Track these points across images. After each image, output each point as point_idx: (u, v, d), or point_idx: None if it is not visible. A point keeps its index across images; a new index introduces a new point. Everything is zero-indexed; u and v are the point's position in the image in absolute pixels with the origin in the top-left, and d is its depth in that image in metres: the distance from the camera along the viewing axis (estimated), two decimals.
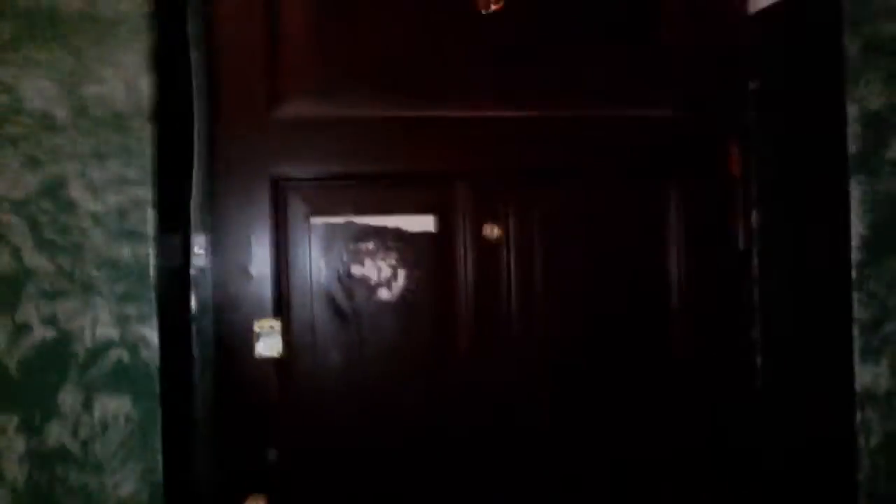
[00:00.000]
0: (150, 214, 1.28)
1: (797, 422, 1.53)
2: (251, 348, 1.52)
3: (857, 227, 1.41)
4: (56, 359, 1.26)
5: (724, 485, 1.64)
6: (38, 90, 1.24)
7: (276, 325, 1.52)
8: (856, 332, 1.41)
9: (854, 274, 1.41)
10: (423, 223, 1.58)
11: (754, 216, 1.63)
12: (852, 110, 1.41)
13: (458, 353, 1.59)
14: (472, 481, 1.59)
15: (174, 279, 1.42)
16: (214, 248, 1.51)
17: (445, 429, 1.58)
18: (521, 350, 1.60)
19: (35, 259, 1.25)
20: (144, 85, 1.26)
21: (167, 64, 1.33)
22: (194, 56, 1.47)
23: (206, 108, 1.50)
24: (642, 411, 1.63)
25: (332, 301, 1.56)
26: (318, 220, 1.56)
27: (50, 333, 1.26)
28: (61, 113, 1.25)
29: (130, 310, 1.28)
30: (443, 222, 1.59)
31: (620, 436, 1.63)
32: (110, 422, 1.28)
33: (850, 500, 1.39)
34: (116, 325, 1.28)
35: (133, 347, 1.28)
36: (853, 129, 1.41)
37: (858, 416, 1.38)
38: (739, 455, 1.63)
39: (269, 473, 1.52)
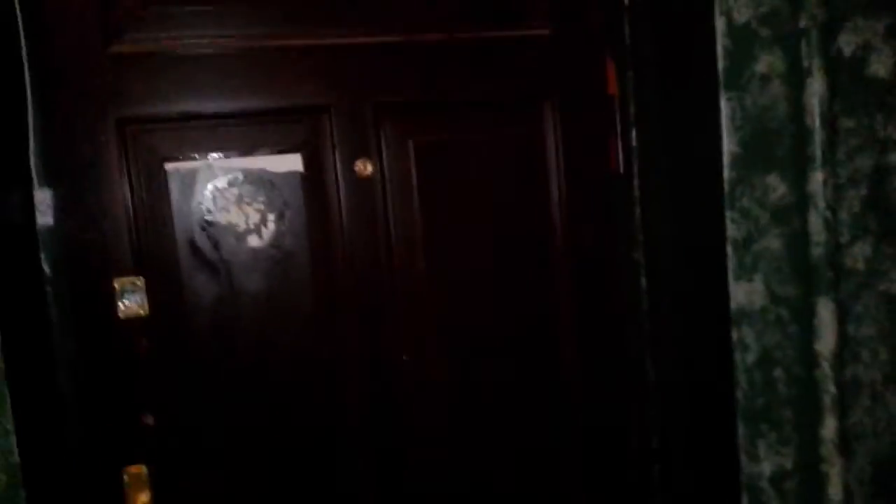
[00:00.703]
0: None
1: (680, 340, 1.55)
2: (114, 308, 1.42)
3: (728, 145, 1.40)
4: None
5: (607, 400, 1.66)
6: None
7: (139, 281, 1.43)
8: (729, 250, 1.41)
9: (726, 192, 1.40)
10: (289, 162, 1.49)
11: (633, 136, 1.60)
12: (720, 23, 1.37)
13: (337, 297, 1.53)
14: (357, 432, 1.55)
15: (13, 242, 1.30)
16: (62, 202, 1.39)
17: (330, 378, 1.54)
18: (403, 288, 1.55)
19: None
20: None
21: None
22: None
23: (34, 49, 1.35)
24: (529, 339, 1.62)
25: (197, 252, 1.46)
26: (174, 165, 1.45)
27: None
28: None
29: None
30: (311, 160, 1.50)
31: (506, 365, 1.62)
32: None
33: (728, 414, 1.42)
34: None
35: None
36: (722, 44, 1.37)
37: (735, 334, 1.40)
38: (625, 373, 1.65)
39: (146, 440, 1.45)
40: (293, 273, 1.50)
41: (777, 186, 1.42)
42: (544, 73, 1.57)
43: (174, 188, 1.44)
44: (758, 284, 1.42)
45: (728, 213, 1.41)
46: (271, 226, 1.49)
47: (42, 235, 1.37)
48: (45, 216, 1.37)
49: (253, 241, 1.49)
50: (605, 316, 1.64)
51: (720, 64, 1.38)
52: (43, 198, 1.37)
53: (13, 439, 1.22)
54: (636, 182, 1.61)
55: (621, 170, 1.62)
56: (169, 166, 1.44)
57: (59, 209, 1.38)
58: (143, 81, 1.39)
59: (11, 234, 1.30)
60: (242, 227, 1.48)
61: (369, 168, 1.51)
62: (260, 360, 1.51)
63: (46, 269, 1.38)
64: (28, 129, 1.35)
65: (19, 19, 1.32)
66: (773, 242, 1.42)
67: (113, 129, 1.39)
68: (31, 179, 1.36)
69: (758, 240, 1.42)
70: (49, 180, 1.37)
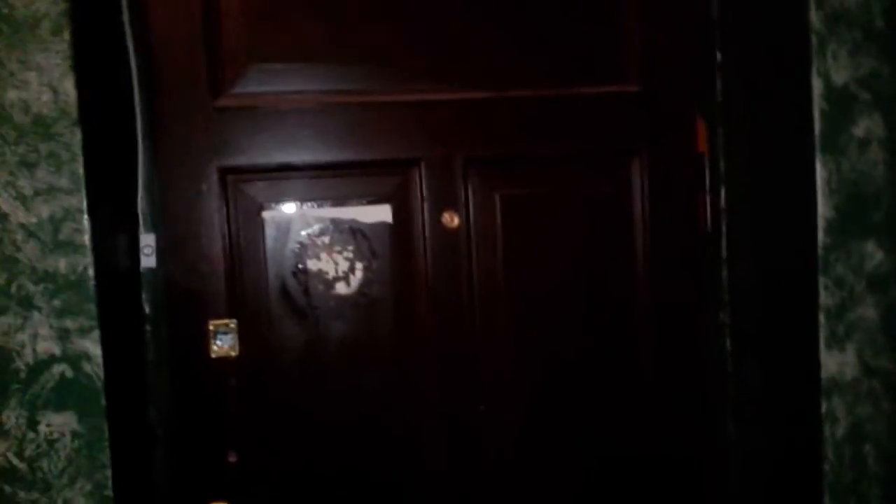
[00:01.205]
0: (86, 223, 1.22)
1: (765, 408, 1.51)
2: (207, 348, 1.48)
3: (823, 209, 1.37)
4: None
5: (686, 462, 1.63)
6: None
7: (232, 323, 1.49)
8: (822, 318, 1.37)
9: (820, 258, 1.37)
10: (379, 213, 1.53)
11: (722, 194, 1.58)
12: (818, 84, 1.35)
13: (419, 347, 1.55)
14: (436, 476, 1.56)
15: (120, 284, 1.37)
16: (164, 246, 1.46)
17: (409, 425, 1.55)
18: (484, 340, 1.56)
19: None
20: (69, 87, 1.19)
21: (93, 62, 1.26)
22: (130, 47, 1.40)
23: (146, 101, 1.43)
24: (610, 396, 1.61)
25: (288, 297, 1.51)
26: (270, 213, 1.51)
27: None
28: None
29: (70, 323, 1.23)
30: (400, 211, 1.54)
31: (590, 422, 1.60)
32: (57, 439, 1.25)
33: (815, 488, 1.37)
34: (57, 339, 1.23)
35: (75, 362, 1.24)
36: (819, 105, 1.35)
37: (824, 405, 1.36)
38: (706, 437, 1.62)
39: (231, 477, 1.49)
40: (378, 320, 1.54)
41: (874, 254, 1.38)
42: (633, 128, 1.57)
43: (269, 235, 1.50)
44: (850, 355, 1.37)
45: (821, 280, 1.38)
46: (359, 274, 1.53)
47: (145, 277, 1.45)
48: (148, 259, 1.45)
49: (341, 287, 1.53)
50: (687, 376, 1.61)
51: (816, 126, 1.36)
52: (147, 241, 1.44)
53: (109, 473, 1.27)
54: (724, 241, 1.59)
55: (709, 228, 1.60)
56: (266, 214, 1.50)
57: (162, 252, 1.46)
58: (246, 133, 1.46)
59: (117, 276, 1.37)
60: (332, 274, 1.52)
61: (456, 220, 1.54)
62: (341, 404, 1.54)
63: (147, 309, 1.45)
64: (137, 176, 1.43)
65: (134, 74, 1.41)
66: (868, 312, 1.38)
67: (215, 178, 1.46)
68: (137, 224, 1.44)
69: (852, 308, 1.38)
70: (154, 225, 1.45)
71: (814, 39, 1.33)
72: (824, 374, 1.36)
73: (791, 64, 1.39)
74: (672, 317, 1.60)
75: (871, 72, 1.35)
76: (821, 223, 1.37)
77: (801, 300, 1.41)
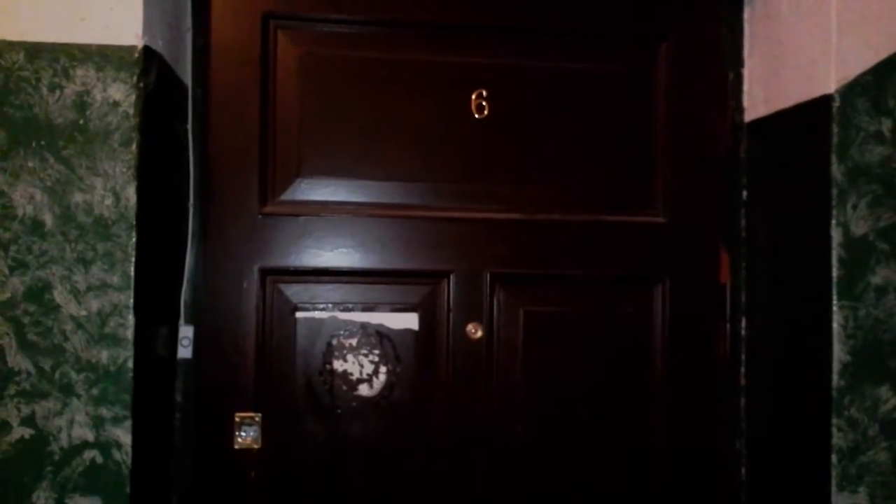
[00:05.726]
0: (130, 319, 1.30)
1: None
2: (231, 439, 1.53)
3: (839, 352, 1.40)
4: (32, 458, 1.29)
5: None
6: (29, 196, 1.28)
7: (257, 416, 1.54)
8: (834, 459, 1.39)
9: (834, 399, 1.39)
10: (406, 320, 1.60)
11: (742, 325, 1.62)
12: (836, 234, 1.40)
13: (436, 453, 1.59)
14: None
15: (156, 373, 1.44)
16: (201, 338, 1.54)
17: None
18: (500, 451, 1.60)
19: (17, 360, 1.28)
20: (131, 193, 1.29)
21: (155, 169, 1.36)
22: (191, 157, 1.52)
23: (200, 204, 1.54)
24: None
25: (312, 395, 1.57)
26: (304, 314, 1.58)
27: (28, 432, 1.29)
28: (49, 219, 1.28)
29: (106, 411, 1.30)
30: (426, 320, 1.60)
31: None
32: None
33: None
34: (92, 426, 1.30)
35: (106, 448, 1.30)
36: (837, 253, 1.39)
37: None
38: None
39: None
40: (397, 423, 1.58)
41: (888, 398, 1.40)
42: (658, 257, 1.63)
43: (301, 334, 1.57)
44: (862, 497, 1.38)
45: (835, 421, 1.39)
46: (382, 377, 1.59)
47: (180, 367, 1.52)
48: (185, 350, 1.52)
49: (364, 389, 1.58)
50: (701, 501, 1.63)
51: (834, 272, 1.40)
52: (186, 333, 1.52)
53: None
54: (742, 370, 1.62)
55: (728, 357, 1.63)
56: (299, 315, 1.57)
57: (198, 344, 1.53)
58: (288, 238, 1.55)
59: (154, 366, 1.44)
60: (356, 375, 1.58)
61: (480, 332, 1.60)
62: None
63: (179, 398, 1.52)
64: (184, 271, 1.52)
65: (191, 181, 1.52)
66: (880, 455, 1.40)
67: (256, 278, 1.54)
68: (178, 315, 1.52)
69: (865, 451, 1.39)
70: (193, 318, 1.53)
71: (834, 191, 1.38)
72: None
73: (812, 210, 1.44)
74: (688, 443, 1.62)
75: (891, 224, 1.39)
76: (836, 366, 1.40)
77: (814, 439, 1.42)
